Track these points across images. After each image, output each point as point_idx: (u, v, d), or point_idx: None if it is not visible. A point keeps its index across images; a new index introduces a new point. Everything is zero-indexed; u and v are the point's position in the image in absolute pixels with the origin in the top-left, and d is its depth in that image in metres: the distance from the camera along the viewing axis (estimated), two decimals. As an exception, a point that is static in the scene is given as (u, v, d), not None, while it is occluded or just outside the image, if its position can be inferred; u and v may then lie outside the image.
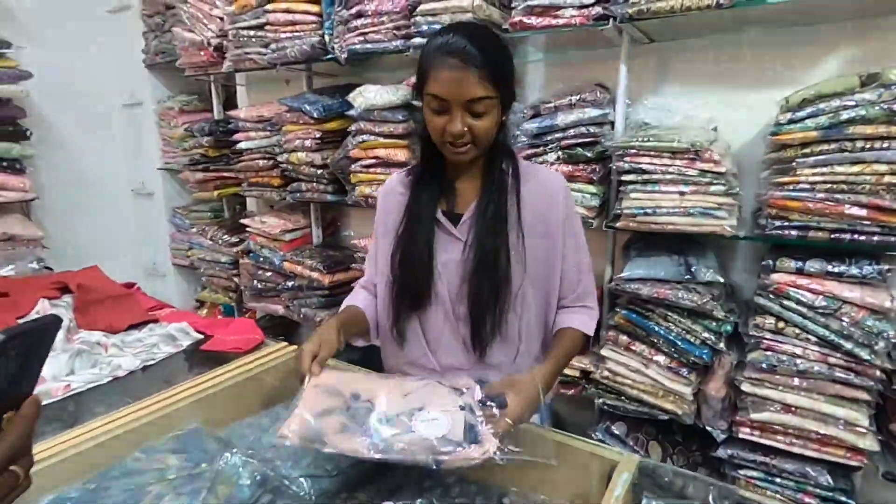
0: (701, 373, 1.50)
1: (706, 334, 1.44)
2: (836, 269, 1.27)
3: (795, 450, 1.35)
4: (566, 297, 1.03)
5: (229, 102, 2.84)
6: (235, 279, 2.70)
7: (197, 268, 3.00)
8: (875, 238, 1.20)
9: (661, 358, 1.52)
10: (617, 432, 1.63)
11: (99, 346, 1.25)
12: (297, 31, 2.07)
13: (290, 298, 2.38)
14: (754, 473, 1.44)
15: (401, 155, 1.90)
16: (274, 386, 1.16)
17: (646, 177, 1.43)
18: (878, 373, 1.24)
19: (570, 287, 1.01)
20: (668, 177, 1.41)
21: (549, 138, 1.59)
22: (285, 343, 1.33)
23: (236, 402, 1.10)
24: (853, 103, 1.19)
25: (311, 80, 2.39)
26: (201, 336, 1.36)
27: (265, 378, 1.15)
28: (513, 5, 1.61)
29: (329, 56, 2.02)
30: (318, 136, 2.10)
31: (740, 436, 1.42)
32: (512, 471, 0.78)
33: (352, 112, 1.99)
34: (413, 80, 1.80)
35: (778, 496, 1.39)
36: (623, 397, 1.60)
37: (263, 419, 1.05)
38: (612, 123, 1.60)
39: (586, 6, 1.46)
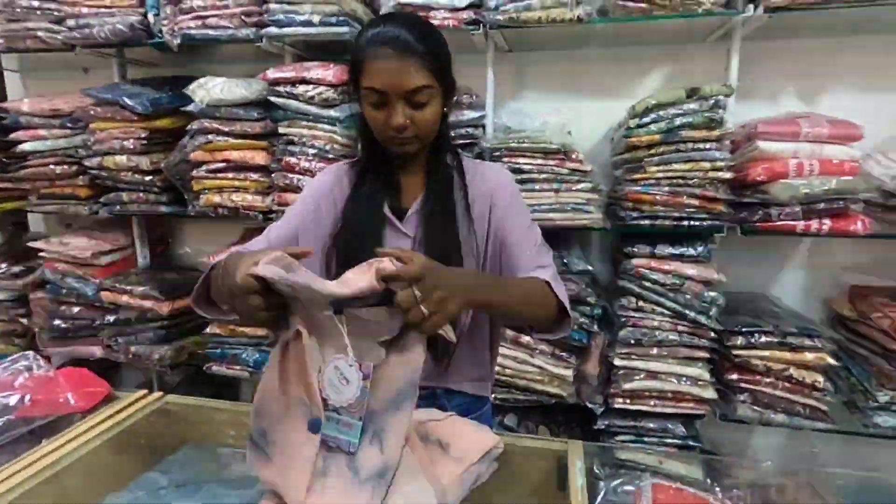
0: (579, 355, 1.64)
1: (582, 319, 1.57)
2: (678, 251, 1.50)
3: (657, 409, 1.57)
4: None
5: (-6, 92, 2.19)
6: (23, 320, 2.08)
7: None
8: (706, 223, 1.46)
9: (544, 346, 1.61)
10: (509, 423, 1.68)
11: None
12: (106, 8, 1.68)
13: (113, 336, 1.92)
14: (626, 437, 1.62)
15: (259, 157, 1.68)
16: (142, 446, 0.91)
17: (524, 176, 1.51)
18: (712, 334, 1.51)
19: (528, 265, 0.93)
20: (543, 176, 1.51)
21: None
22: (143, 391, 1.05)
23: (97, 475, 0.83)
24: (683, 111, 1.42)
25: (125, 69, 1.98)
26: (8, 402, 0.99)
27: (128, 439, 0.89)
28: (381, 2, 1.56)
29: (155, 40, 1.69)
30: (143, 135, 1.74)
31: (615, 406, 1.58)
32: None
33: (190, 108, 1.69)
34: (269, 73, 1.63)
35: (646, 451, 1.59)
36: (513, 389, 1.66)
37: (138, 492, 0.81)
38: (484, 126, 1.66)
39: (458, 9, 1.48)
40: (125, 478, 0.84)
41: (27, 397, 0.96)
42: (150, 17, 1.67)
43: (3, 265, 2.06)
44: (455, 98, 0.95)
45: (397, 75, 0.78)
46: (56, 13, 1.72)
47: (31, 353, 1.02)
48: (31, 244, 1.97)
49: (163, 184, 1.80)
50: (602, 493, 0.78)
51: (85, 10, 1.68)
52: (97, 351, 1.98)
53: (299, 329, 0.63)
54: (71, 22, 1.69)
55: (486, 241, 0.92)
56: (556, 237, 1.69)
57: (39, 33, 1.75)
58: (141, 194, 1.82)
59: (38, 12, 1.74)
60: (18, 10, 1.75)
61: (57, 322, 1.98)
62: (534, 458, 0.85)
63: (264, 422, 0.68)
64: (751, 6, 1.35)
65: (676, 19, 1.39)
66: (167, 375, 2.01)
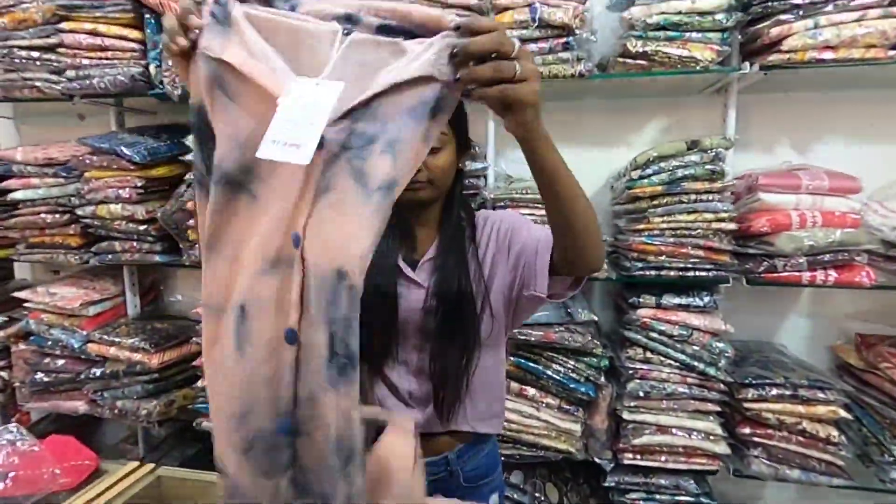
0: (586, 409, 1.59)
1: (589, 371, 1.53)
2: (684, 302, 1.49)
3: (669, 465, 1.51)
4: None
5: (-13, 139, 2.16)
6: (3, 374, 1.99)
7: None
8: (711, 273, 1.45)
9: (550, 399, 1.57)
10: (515, 481, 1.61)
11: None
12: (106, 59, 1.68)
13: (98, 390, 1.84)
14: (637, 495, 1.56)
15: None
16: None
17: (527, 227, 1.50)
18: (721, 386, 1.48)
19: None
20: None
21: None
22: (135, 463, 0.99)
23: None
24: (684, 164, 1.44)
25: (123, 118, 1.97)
26: (-13, 477, 0.92)
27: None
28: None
29: (155, 91, 1.68)
30: (139, 184, 1.71)
31: (624, 462, 1.53)
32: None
33: (188, 157, 1.68)
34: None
35: (659, 512, 1.53)
36: (519, 445, 1.60)
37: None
38: (486, 176, 1.66)
39: (461, 64, 1.50)
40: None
41: (10, 475, 0.90)
42: (152, 69, 1.67)
43: (-15, 316, 1.98)
44: (468, 156, 0.95)
45: None
46: (56, 64, 1.71)
47: (14, 425, 0.96)
48: (15, 294, 1.90)
49: (157, 233, 1.76)
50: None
51: (86, 61, 1.68)
52: (80, 406, 1.89)
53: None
54: (71, 73, 1.69)
55: (510, 281, 0.89)
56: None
57: (38, 83, 1.74)
58: (134, 243, 1.78)
59: (38, 63, 1.73)
60: (17, 60, 1.74)
61: (39, 376, 1.89)
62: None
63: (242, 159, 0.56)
64: (746, 64, 1.38)
65: (674, 75, 1.42)
66: (153, 430, 1.92)
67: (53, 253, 1.86)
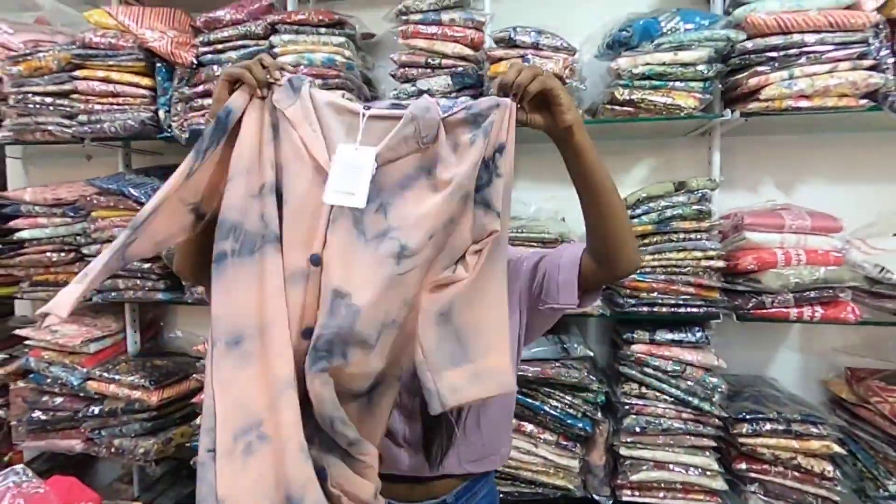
0: (583, 444, 1.60)
1: (586, 406, 1.55)
2: (677, 337, 1.52)
3: (667, 502, 1.52)
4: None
5: (-5, 179, 2.21)
6: (0, 412, 1.98)
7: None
8: (702, 309, 1.49)
9: (548, 435, 1.58)
10: (514, 520, 1.61)
11: None
12: (118, 104, 1.75)
13: (95, 428, 1.83)
14: (636, 532, 1.55)
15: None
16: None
17: (523, 265, 1.55)
18: (716, 421, 1.50)
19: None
20: (542, 264, 1.55)
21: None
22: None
23: None
24: (672, 204, 1.50)
25: (130, 158, 2.03)
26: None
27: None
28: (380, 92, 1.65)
29: (163, 134, 1.75)
30: (145, 223, 1.75)
31: (623, 499, 1.53)
32: None
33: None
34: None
35: (658, 550, 1.52)
36: (517, 482, 1.60)
37: None
38: (482, 215, 1.71)
39: (457, 110, 1.58)
40: None
41: (14, 517, 0.91)
42: (161, 114, 1.74)
43: (-16, 353, 1.99)
44: None
45: None
46: (69, 109, 1.78)
47: (20, 466, 0.97)
48: (16, 332, 1.91)
49: (161, 271, 1.79)
50: None
51: (98, 106, 1.75)
52: (77, 444, 1.88)
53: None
54: (83, 117, 1.75)
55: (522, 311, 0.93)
56: (556, 324, 1.70)
57: (50, 127, 1.81)
58: (138, 281, 1.81)
59: (51, 108, 1.80)
60: (31, 105, 1.81)
61: (36, 414, 1.89)
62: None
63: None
64: (728, 110, 1.46)
65: (661, 121, 1.50)
66: (149, 469, 1.90)
67: (57, 291, 1.88)
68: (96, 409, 1.84)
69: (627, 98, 1.46)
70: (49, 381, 1.87)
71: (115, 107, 1.75)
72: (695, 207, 1.48)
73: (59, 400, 1.89)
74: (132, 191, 1.73)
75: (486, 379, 0.72)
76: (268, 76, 0.75)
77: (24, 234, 1.85)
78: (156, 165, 1.99)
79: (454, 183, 0.70)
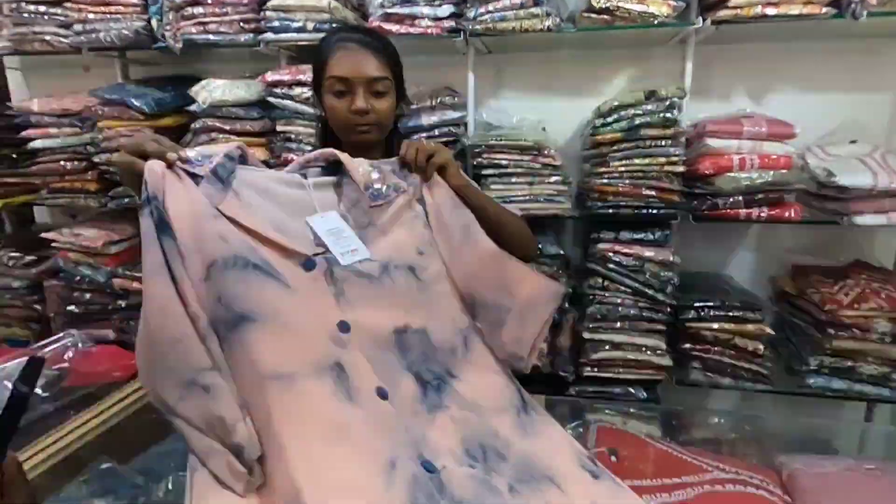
0: (552, 330, 1.82)
1: (555, 297, 1.76)
2: (638, 237, 1.69)
3: (622, 376, 1.77)
4: None
5: (-2, 91, 2.28)
6: (38, 307, 2.22)
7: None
8: (662, 211, 1.64)
9: (521, 322, 1.80)
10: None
11: None
12: (110, 14, 1.79)
13: (125, 319, 2.08)
14: (597, 404, 1.82)
15: (259, 153, 1.82)
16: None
17: (501, 170, 1.68)
18: (668, 308, 1.70)
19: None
20: (519, 170, 1.68)
21: (416, 137, 1.72)
22: (172, 363, 1.22)
23: (135, 433, 1.00)
24: (642, 112, 1.59)
25: (127, 69, 2.09)
26: (56, 372, 1.16)
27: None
28: (370, 11, 1.69)
29: (158, 45, 1.81)
30: (149, 133, 1.87)
31: (585, 374, 1.78)
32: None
33: (192, 108, 1.82)
34: (268, 76, 1.76)
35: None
36: (494, 361, 1.85)
37: (171, 446, 0.98)
38: (466, 124, 1.81)
39: (441, 19, 1.63)
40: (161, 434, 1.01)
41: (75, 369, 1.13)
42: (154, 23, 1.79)
43: (16, 254, 2.18)
44: (404, 104, 1.10)
45: (360, 64, 0.93)
46: (63, 18, 1.83)
47: (74, 330, 1.18)
48: (43, 235, 2.09)
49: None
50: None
51: (91, 15, 1.79)
52: (110, 334, 2.13)
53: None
54: (78, 27, 1.80)
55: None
56: (532, 224, 1.86)
57: (47, 37, 1.86)
58: (148, 188, 1.95)
59: (45, 17, 1.84)
60: (26, 14, 1.85)
61: (70, 307, 2.12)
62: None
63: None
64: (699, 18, 1.51)
65: (637, 29, 1.55)
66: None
67: (74, 197, 2.05)
68: (123, 304, 2.07)
69: (604, 6, 1.51)
70: (78, 279, 2.09)
71: (109, 16, 1.79)
72: (662, 115, 1.58)
73: (88, 295, 2.11)
74: (134, 101, 1.82)
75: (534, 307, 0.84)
76: (172, 155, 0.66)
77: (37, 144, 1.97)
78: (153, 76, 2.06)
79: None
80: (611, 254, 1.70)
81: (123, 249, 2.13)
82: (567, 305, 1.78)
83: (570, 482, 0.64)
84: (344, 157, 0.81)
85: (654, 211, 1.64)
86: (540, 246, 1.78)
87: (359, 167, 0.82)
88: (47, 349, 1.17)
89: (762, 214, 1.57)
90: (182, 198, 0.64)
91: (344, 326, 0.68)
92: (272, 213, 0.72)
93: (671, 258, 1.67)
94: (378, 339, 0.69)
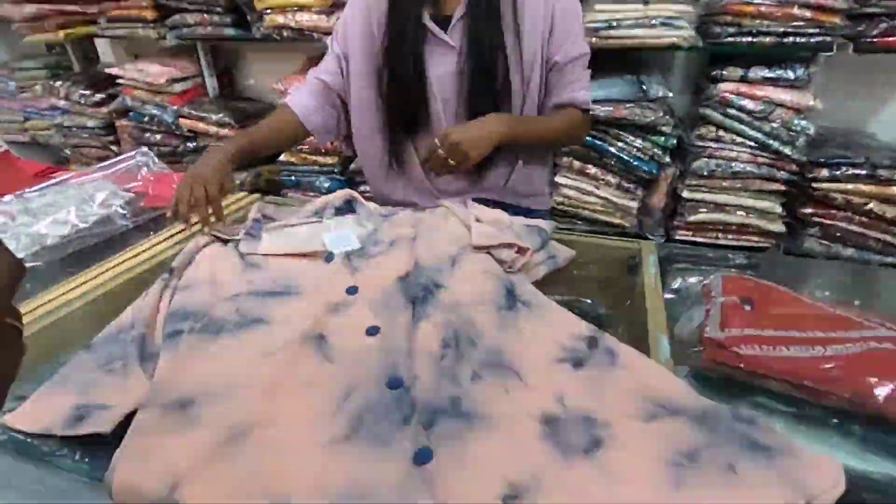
0: (646, 187, 1.63)
1: (655, 149, 1.53)
2: (773, 75, 1.38)
3: (720, 242, 1.59)
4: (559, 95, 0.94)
5: None
6: (114, 147, 2.24)
7: (42, 144, 2.44)
8: (814, 39, 1.31)
9: (611, 178, 1.61)
10: (568, 252, 1.77)
11: (-2, 215, 0.97)
12: None
13: (194, 162, 2.05)
14: (682, 265, 1.67)
15: None
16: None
17: (610, -15, 1.37)
18: (794, 166, 1.45)
19: (572, 87, 0.93)
20: (633, -16, 1.36)
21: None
22: (244, 193, 1.16)
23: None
24: None
25: None
26: (132, 195, 1.12)
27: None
28: None
29: None
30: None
31: (676, 237, 1.62)
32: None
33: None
34: None
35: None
36: (575, 220, 1.71)
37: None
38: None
39: None
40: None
41: (149, 191, 1.09)
42: None
43: (86, 92, 2.16)
44: None
45: None
46: None
47: (145, 148, 1.12)
48: (108, 70, 2.03)
49: (227, 3, 1.75)
50: (675, 284, 0.84)
51: None
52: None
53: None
54: None
55: (540, 59, 0.88)
56: (636, 61, 1.58)
57: None
58: (205, 15, 1.79)
59: None
60: None
61: (143, 149, 2.12)
62: (607, 254, 0.91)
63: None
64: None
65: None
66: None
67: (132, 27, 1.92)
68: (192, 145, 2.04)
69: None
70: (147, 119, 2.05)
71: None
72: None
73: (158, 136, 2.09)
74: None
75: None
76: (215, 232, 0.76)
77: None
78: None
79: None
80: (734, 96, 1.41)
81: (187, 89, 2.05)
82: (667, 159, 1.55)
83: (536, 375, 0.57)
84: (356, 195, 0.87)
85: (804, 39, 1.31)
86: (644, 87, 1.51)
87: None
88: (121, 166, 1.13)
89: (955, 43, 1.21)
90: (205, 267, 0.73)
91: (351, 290, 0.69)
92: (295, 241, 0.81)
93: (811, 103, 1.37)
94: (384, 288, 0.70)
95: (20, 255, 0.85)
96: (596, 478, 0.46)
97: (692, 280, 0.87)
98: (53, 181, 1.09)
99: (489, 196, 1.00)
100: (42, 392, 0.57)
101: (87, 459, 0.51)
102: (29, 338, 0.68)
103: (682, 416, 0.51)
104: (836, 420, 0.55)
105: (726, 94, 1.42)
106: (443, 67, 0.88)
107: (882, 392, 0.56)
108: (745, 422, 0.50)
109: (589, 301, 0.79)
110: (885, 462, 0.51)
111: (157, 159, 1.13)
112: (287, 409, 0.52)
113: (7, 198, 1.00)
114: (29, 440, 0.52)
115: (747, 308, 0.73)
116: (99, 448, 0.50)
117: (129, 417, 0.51)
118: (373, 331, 0.63)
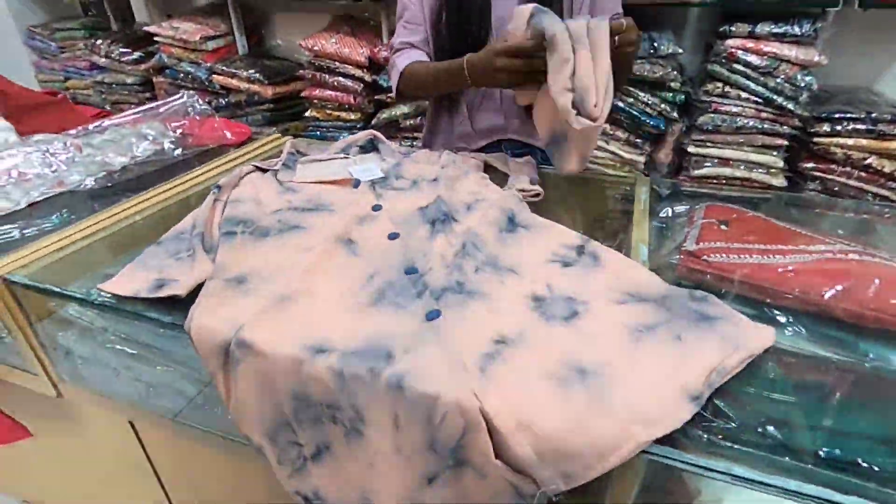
0: (653, 142, 1.70)
1: (663, 105, 1.60)
2: (779, 30, 1.43)
3: (722, 194, 1.65)
4: None
5: None
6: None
7: (81, 102, 2.58)
8: (821, -6, 1.35)
9: (620, 133, 1.68)
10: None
11: (66, 147, 1.10)
12: None
13: (228, 118, 2.18)
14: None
15: None
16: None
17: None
18: (796, 121, 1.50)
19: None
20: (645, -60, 1.41)
21: None
22: (277, 134, 1.28)
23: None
24: None
25: None
26: (179, 133, 1.25)
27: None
28: None
29: None
30: None
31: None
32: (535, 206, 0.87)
33: None
34: None
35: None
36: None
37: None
38: None
39: None
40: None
41: (194, 131, 1.21)
42: None
43: (125, 50, 2.28)
44: None
45: None
46: None
47: (190, 92, 1.24)
48: (145, 28, 2.15)
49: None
50: (662, 212, 0.93)
51: None
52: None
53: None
54: None
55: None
56: (646, 17, 1.63)
57: None
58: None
59: None
60: None
61: (189, 91, 2.24)
62: (605, 185, 1.01)
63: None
64: None
65: None
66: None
67: (168, -13, 2.03)
68: (224, 101, 2.16)
69: None
70: (182, 75, 2.17)
71: None
72: None
73: (192, 92, 2.21)
74: None
75: None
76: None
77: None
78: None
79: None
80: (741, 52, 1.47)
81: (219, 47, 2.15)
82: (675, 115, 1.61)
83: (529, 271, 0.69)
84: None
85: (811, -6, 1.35)
86: (655, 44, 1.57)
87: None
88: (169, 106, 1.26)
89: (959, -3, 1.24)
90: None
91: (376, 208, 0.81)
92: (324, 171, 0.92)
93: (816, 58, 1.42)
94: (405, 210, 0.81)
95: (90, 180, 0.99)
96: (570, 335, 0.58)
97: (681, 209, 0.97)
98: (110, 121, 1.22)
99: (515, 137, 1.10)
100: (125, 271, 0.70)
101: (168, 315, 0.64)
102: (108, 238, 0.82)
103: (650, 303, 0.62)
104: (789, 318, 0.62)
105: (734, 50, 1.47)
106: (506, 3, 0.94)
107: (828, 292, 0.66)
108: (697, 300, 0.61)
109: (584, 224, 0.90)
110: (820, 348, 0.58)
111: (201, 101, 1.25)
112: (322, 285, 0.65)
113: (73, 131, 1.13)
114: (120, 304, 0.66)
115: (723, 228, 0.83)
116: (174, 309, 0.63)
117: (197, 290, 0.64)
118: (394, 235, 0.75)
